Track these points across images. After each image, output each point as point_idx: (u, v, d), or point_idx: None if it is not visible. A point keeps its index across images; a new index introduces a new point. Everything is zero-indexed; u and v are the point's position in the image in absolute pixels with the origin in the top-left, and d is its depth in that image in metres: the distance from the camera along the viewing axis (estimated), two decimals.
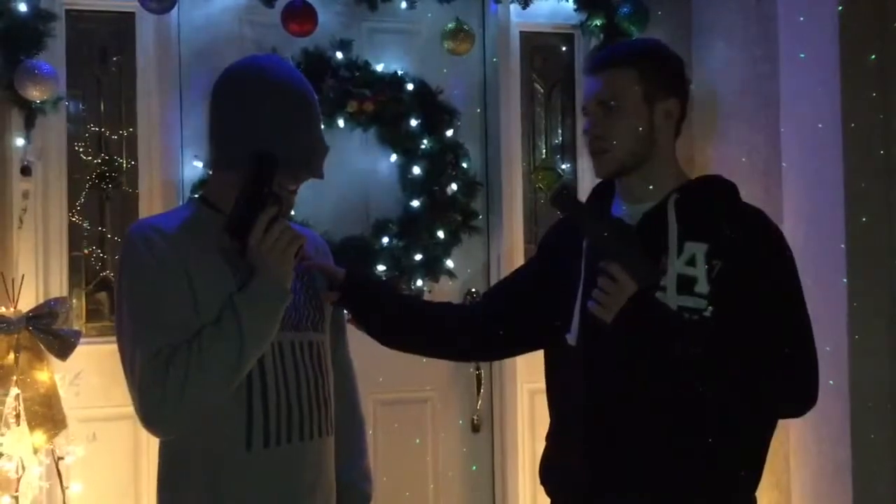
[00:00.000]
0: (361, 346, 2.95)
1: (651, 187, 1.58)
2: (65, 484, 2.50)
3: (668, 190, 1.57)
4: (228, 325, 1.39)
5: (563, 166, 3.27)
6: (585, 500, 1.57)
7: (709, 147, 3.08)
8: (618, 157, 1.56)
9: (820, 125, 2.55)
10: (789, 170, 2.71)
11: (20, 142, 2.58)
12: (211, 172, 1.60)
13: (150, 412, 1.38)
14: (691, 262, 1.50)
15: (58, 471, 2.49)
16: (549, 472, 1.67)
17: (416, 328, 1.82)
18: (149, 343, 1.38)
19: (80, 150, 2.77)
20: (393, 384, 3.07)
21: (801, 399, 1.50)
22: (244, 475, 1.45)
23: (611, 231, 1.51)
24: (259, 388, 1.46)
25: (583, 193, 3.22)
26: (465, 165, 3.05)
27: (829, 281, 2.42)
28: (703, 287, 1.48)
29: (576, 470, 1.58)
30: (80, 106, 2.80)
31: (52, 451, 2.48)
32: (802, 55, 2.64)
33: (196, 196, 1.61)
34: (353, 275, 1.70)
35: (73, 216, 2.75)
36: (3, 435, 2.39)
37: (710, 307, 1.48)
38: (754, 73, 2.90)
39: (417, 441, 3.10)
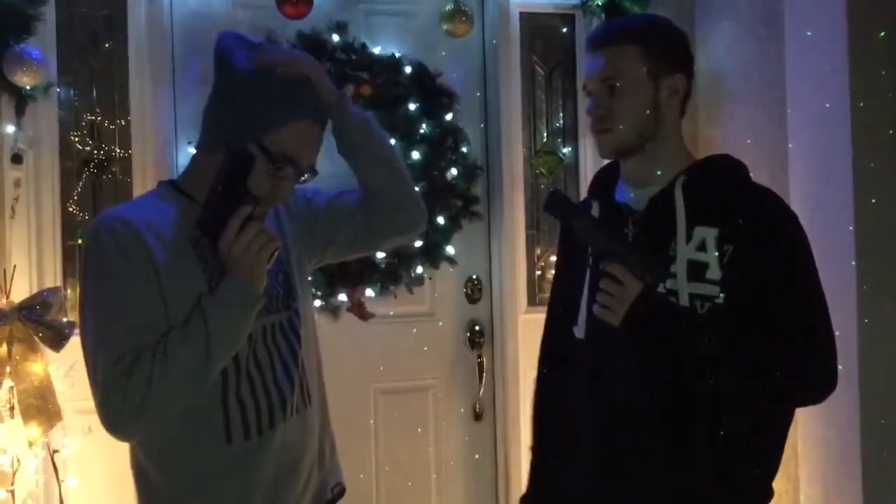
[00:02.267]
0: (362, 336, 2.95)
1: (657, 170, 1.53)
2: (61, 477, 2.46)
3: (675, 172, 1.51)
4: (195, 331, 1.35)
5: (565, 150, 3.22)
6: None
7: (714, 128, 3.02)
8: (622, 138, 1.51)
9: (827, 105, 2.50)
10: (796, 151, 2.65)
11: (10, 129, 2.53)
12: (194, 152, 1.54)
13: (112, 419, 1.34)
14: (702, 247, 1.45)
15: (53, 464, 2.45)
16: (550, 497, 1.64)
17: None
18: (112, 347, 1.33)
19: (73, 137, 2.72)
20: (394, 373, 3.03)
21: (820, 386, 1.46)
22: (226, 467, 1.43)
23: (608, 231, 1.47)
24: (234, 382, 1.44)
25: (585, 177, 3.19)
26: (464, 150, 3.00)
27: (838, 264, 2.37)
28: (714, 273, 1.43)
29: (583, 476, 1.55)
30: (72, 92, 2.74)
31: (48, 444, 2.44)
32: (809, 33, 2.58)
33: (167, 182, 1.54)
34: None
35: (69, 206, 2.69)
36: None
37: (722, 294, 1.43)
38: (760, 52, 2.85)
39: (419, 430, 3.07)
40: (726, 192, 1.49)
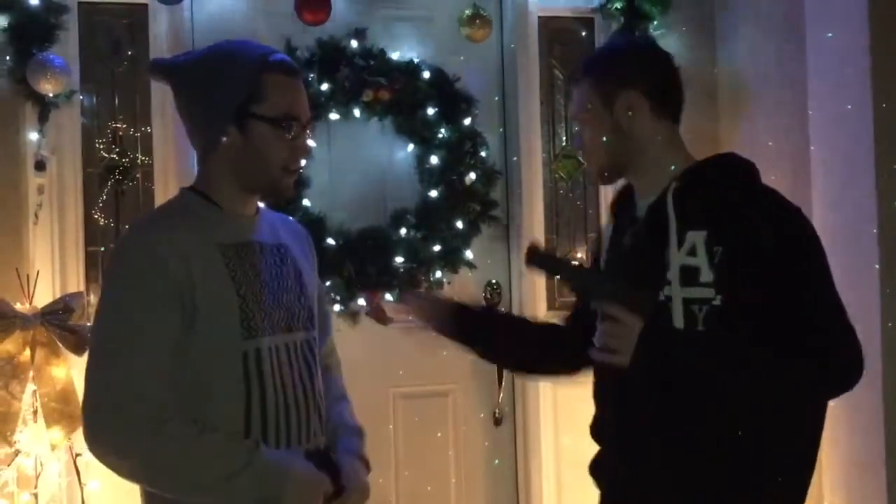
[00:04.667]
0: (381, 340, 2.95)
1: (651, 180, 1.55)
2: (83, 481, 2.48)
3: (670, 179, 1.51)
4: (228, 465, 1.35)
5: None
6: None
7: (735, 131, 3.00)
8: (598, 165, 1.59)
9: (849, 107, 2.48)
10: (818, 153, 2.63)
11: (34, 136, 2.56)
12: (200, 161, 1.53)
13: (102, 447, 1.34)
14: (692, 251, 1.45)
15: (76, 467, 2.47)
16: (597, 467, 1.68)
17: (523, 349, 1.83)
18: (131, 382, 1.32)
19: (98, 144, 2.75)
20: (413, 377, 3.03)
21: (840, 372, 1.43)
22: None
23: (592, 274, 1.51)
24: (258, 395, 1.43)
25: (601, 186, 3.17)
26: (483, 154, 3.00)
27: (861, 267, 2.35)
28: (707, 276, 1.43)
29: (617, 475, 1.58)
30: (94, 100, 2.78)
31: (70, 448, 2.46)
32: (830, 35, 2.56)
33: (189, 189, 1.52)
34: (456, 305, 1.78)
35: (93, 213, 2.72)
36: (20, 432, 2.38)
37: (718, 295, 1.42)
38: (781, 54, 2.83)
39: (439, 434, 3.06)
40: (716, 194, 1.48)
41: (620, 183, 1.69)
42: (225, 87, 1.42)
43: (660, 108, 1.55)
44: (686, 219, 1.47)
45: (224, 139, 1.43)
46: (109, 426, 1.32)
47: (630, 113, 1.54)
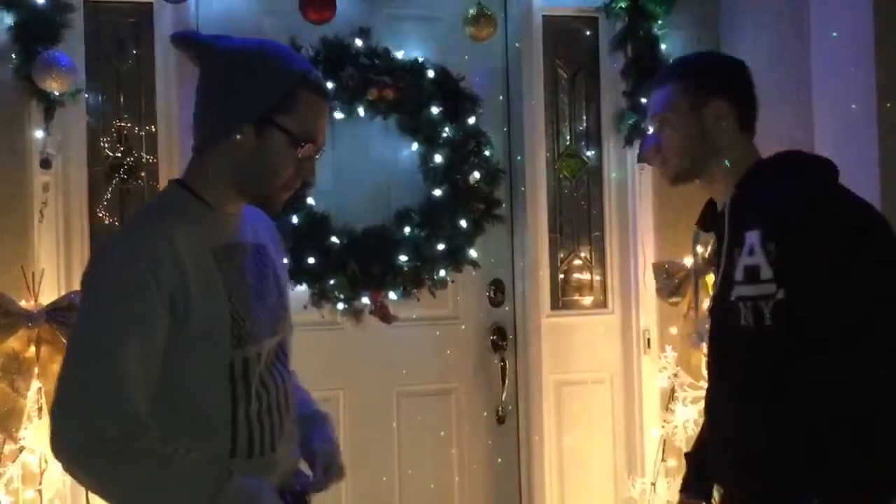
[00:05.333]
0: (385, 339, 2.96)
1: (722, 187, 1.67)
2: None
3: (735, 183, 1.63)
4: (197, 495, 1.32)
5: (588, 153, 3.21)
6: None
7: None
8: (674, 165, 1.69)
9: (854, 106, 2.47)
10: (822, 152, 2.62)
11: (39, 134, 2.57)
12: (197, 154, 1.49)
13: (66, 453, 1.29)
14: (752, 251, 1.53)
15: None
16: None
17: None
18: (109, 392, 1.28)
19: (103, 144, 2.76)
20: (416, 376, 3.04)
21: None
22: None
23: None
24: (244, 402, 1.43)
25: (608, 180, 3.18)
26: (487, 153, 3.00)
27: None
28: (767, 273, 1.51)
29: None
30: (100, 98, 2.79)
31: None
32: (835, 34, 2.56)
33: (177, 183, 1.48)
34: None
35: (98, 212, 2.73)
36: (25, 429, 2.39)
37: (780, 290, 1.50)
38: (785, 53, 2.82)
39: (442, 433, 3.07)
40: (765, 192, 1.57)
41: (656, 187, 1.82)
42: (258, 86, 1.39)
43: (742, 120, 1.68)
44: (744, 219, 1.57)
45: (238, 137, 1.39)
46: (76, 435, 1.28)
47: (717, 120, 1.65)
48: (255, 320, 1.44)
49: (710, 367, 1.72)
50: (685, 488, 1.84)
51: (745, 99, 1.70)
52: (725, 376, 1.65)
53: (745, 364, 1.57)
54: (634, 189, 3.14)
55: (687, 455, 1.88)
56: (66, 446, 1.29)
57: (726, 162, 1.66)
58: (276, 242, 1.62)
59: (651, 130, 1.77)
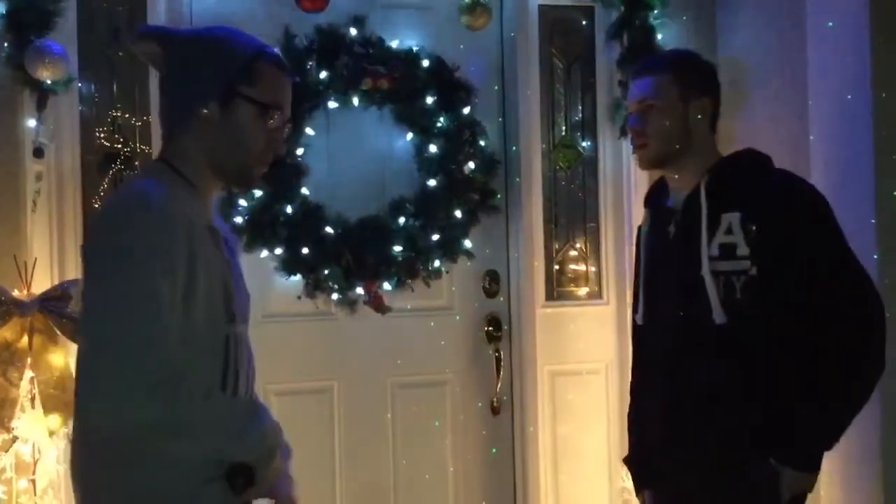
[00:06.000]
0: (380, 330, 2.95)
1: (688, 175, 1.82)
2: None
3: (703, 174, 1.79)
4: (240, 420, 1.38)
5: (584, 143, 3.20)
6: (660, 451, 1.87)
7: (734, 121, 2.98)
8: (657, 150, 1.82)
9: (849, 96, 2.47)
10: (817, 143, 2.62)
11: (32, 123, 2.55)
12: (166, 144, 1.50)
13: (117, 415, 1.27)
14: (729, 230, 1.71)
15: None
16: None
17: None
18: (152, 348, 1.27)
19: (98, 134, 2.75)
20: (411, 367, 3.03)
21: (862, 327, 1.69)
22: None
23: None
24: (232, 381, 1.45)
25: (603, 171, 3.17)
26: (482, 143, 2.99)
27: (859, 257, 2.33)
28: (743, 250, 1.70)
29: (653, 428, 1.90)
30: (93, 87, 2.77)
31: (68, 435, 2.47)
32: (831, 24, 2.55)
33: (161, 162, 1.47)
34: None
35: (94, 201, 2.71)
36: (18, 418, 2.39)
37: (754, 267, 1.69)
38: (781, 43, 2.81)
39: (437, 423, 3.07)
40: (746, 180, 1.75)
41: (652, 178, 2.03)
42: (217, 61, 1.42)
43: (714, 119, 1.87)
44: (720, 204, 1.74)
45: (204, 111, 1.41)
46: (142, 391, 1.26)
47: (699, 115, 1.81)
48: (239, 301, 1.47)
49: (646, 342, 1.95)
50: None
51: (719, 102, 1.87)
52: (688, 343, 1.79)
53: (712, 333, 1.73)
54: (630, 179, 3.13)
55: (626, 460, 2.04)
56: (123, 393, 1.25)
57: (697, 154, 1.81)
58: (235, 241, 1.65)
59: (631, 113, 1.88)
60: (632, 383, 2.03)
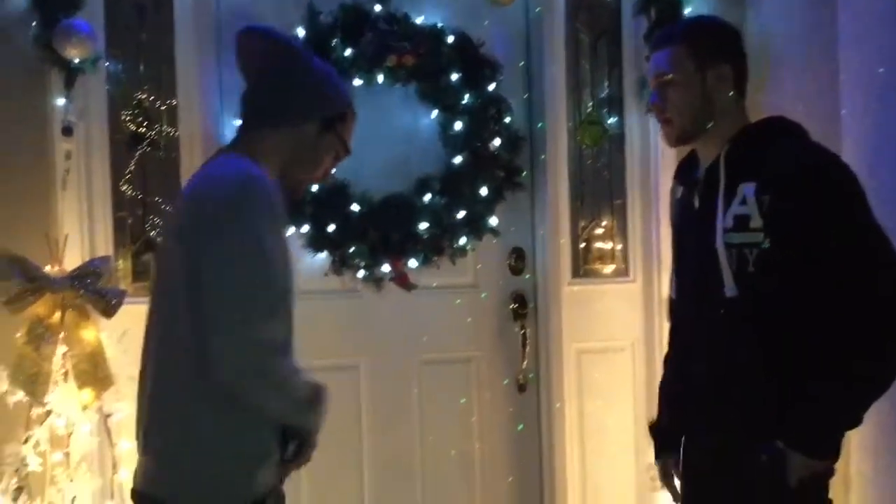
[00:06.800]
0: (406, 307, 2.96)
1: (715, 145, 1.76)
2: (113, 440, 2.53)
3: (727, 142, 1.74)
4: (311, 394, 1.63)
5: (610, 120, 3.18)
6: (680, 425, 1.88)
7: (763, 96, 2.94)
8: (680, 125, 1.77)
9: (881, 70, 2.42)
10: (849, 118, 2.58)
11: (60, 102, 2.58)
12: (249, 131, 1.71)
13: (238, 370, 1.48)
14: (744, 201, 1.66)
15: (106, 427, 2.52)
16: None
17: None
18: (274, 314, 1.52)
19: (124, 117, 2.77)
20: (437, 344, 3.04)
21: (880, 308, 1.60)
22: None
23: None
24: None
25: (630, 147, 3.14)
26: (507, 120, 2.97)
27: (891, 233, 2.30)
28: (756, 222, 1.64)
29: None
30: (120, 67, 2.79)
31: (101, 408, 2.51)
32: None
33: (240, 151, 1.64)
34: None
35: (121, 185, 2.74)
36: (52, 393, 2.43)
37: (767, 239, 1.63)
38: (811, 17, 2.76)
39: (463, 401, 3.08)
40: (764, 149, 1.69)
41: (684, 151, 1.90)
42: (331, 94, 1.72)
43: (740, 84, 1.78)
44: (737, 173, 1.69)
45: (305, 127, 1.67)
46: (271, 351, 1.50)
47: (719, 84, 1.74)
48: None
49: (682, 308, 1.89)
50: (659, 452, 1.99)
51: (743, 65, 1.80)
52: (703, 317, 1.77)
53: (723, 307, 1.69)
54: (657, 156, 3.10)
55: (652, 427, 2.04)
56: (252, 355, 1.47)
57: (723, 124, 1.75)
58: None
59: (652, 89, 1.84)
60: (665, 355, 2.04)
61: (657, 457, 1.98)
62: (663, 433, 1.97)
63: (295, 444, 1.64)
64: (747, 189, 1.65)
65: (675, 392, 1.93)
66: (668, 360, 2.01)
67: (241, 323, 1.44)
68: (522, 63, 3.09)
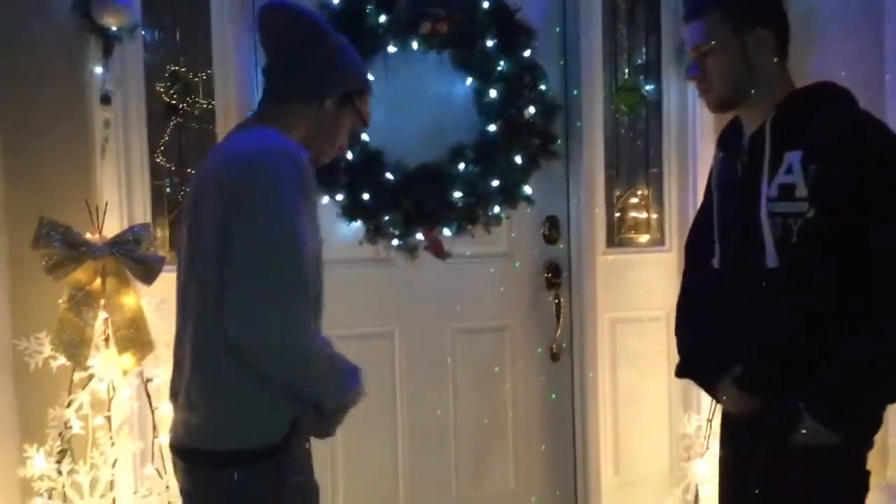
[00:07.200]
0: (440, 276, 2.97)
1: (760, 111, 1.73)
2: (154, 405, 2.58)
3: (772, 108, 1.70)
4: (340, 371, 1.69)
5: (647, 87, 3.13)
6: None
7: (805, 61, 2.87)
8: (720, 93, 1.75)
9: None
10: (893, 83, 2.52)
11: (98, 70, 2.60)
12: (274, 104, 1.75)
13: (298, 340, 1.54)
14: (789, 169, 1.62)
15: (147, 392, 2.57)
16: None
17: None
18: (307, 280, 1.55)
19: (157, 87, 2.79)
20: (471, 313, 3.05)
21: None
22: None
23: None
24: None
25: (668, 115, 3.10)
26: (542, 87, 2.94)
27: None
28: (802, 191, 1.61)
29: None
30: (157, 36, 2.80)
31: (141, 373, 2.56)
32: None
33: (270, 125, 1.68)
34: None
35: (156, 157, 2.77)
36: (93, 357, 2.47)
37: (812, 209, 1.60)
38: None
39: (496, 369, 3.09)
40: (810, 115, 1.65)
41: (727, 117, 1.87)
42: (351, 70, 1.77)
43: (781, 47, 1.75)
44: (783, 140, 1.65)
45: (327, 102, 1.73)
46: (303, 320, 1.54)
47: (759, 48, 1.71)
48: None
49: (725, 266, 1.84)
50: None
51: (783, 27, 1.75)
52: (744, 287, 1.75)
53: (764, 278, 1.66)
54: (695, 124, 3.06)
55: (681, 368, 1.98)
56: (300, 344, 1.53)
57: (766, 89, 1.72)
58: None
59: (692, 60, 1.80)
60: (683, 284, 2.03)
61: (711, 386, 1.89)
62: (703, 363, 1.90)
63: (316, 414, 1.67)
64: (793, 157, 1.62)
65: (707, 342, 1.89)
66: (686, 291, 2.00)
67: (268, 301, 1.47)
68: (558, 29, 3.05)
